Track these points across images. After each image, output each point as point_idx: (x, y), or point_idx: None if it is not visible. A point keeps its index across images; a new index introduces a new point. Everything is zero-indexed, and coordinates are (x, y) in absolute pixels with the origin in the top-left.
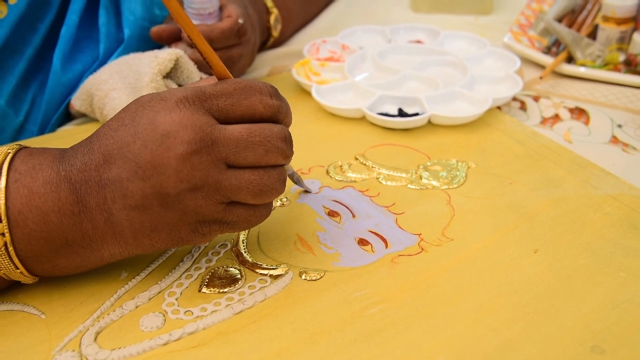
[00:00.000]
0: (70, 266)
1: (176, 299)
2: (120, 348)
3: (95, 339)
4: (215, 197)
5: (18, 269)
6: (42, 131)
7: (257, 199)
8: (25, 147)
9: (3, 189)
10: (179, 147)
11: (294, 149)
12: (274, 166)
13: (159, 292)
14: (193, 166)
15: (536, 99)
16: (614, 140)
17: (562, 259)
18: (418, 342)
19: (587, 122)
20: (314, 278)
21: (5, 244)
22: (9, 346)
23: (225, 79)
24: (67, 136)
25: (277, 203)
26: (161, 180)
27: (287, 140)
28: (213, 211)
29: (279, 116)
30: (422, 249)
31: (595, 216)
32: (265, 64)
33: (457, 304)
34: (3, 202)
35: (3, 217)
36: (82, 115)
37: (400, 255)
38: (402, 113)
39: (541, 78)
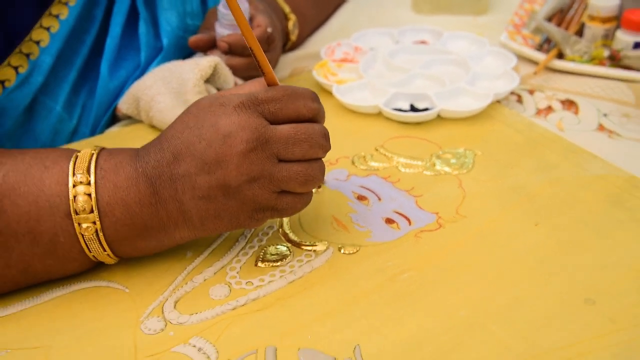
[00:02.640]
0: (147, 248)
1: (237, 273)
2: (197, 313)
3: (175, 306)
4: (269, 187)
5: (105, 251)
6: (93, 132)
7: (303, 187)
8: (104, 148)
9: (93, 185)
10: (239, 146)
11: None
12: (316, 159)
13: (222, 268)
14: (251, 161)
15: (531, 92)
16: (601, 127)
17: (558, 230)
18: (442, 300)
19: (576, 112)
20: (351, 252)
21: (97, 231)
22: (103, 314)
23: (275, 86)
24: (116, 137)
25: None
26: (224, 174)
27: (327, 137)
28: (267, 199)
29: (319, 117)
30: (440, 225)
31: (586, 194)
32: (287, 66)
33: (473, 269)
34: (94, 195)
35: (94, 208)
36: (128, 117)
37: (422, 231)
38: (413, 108)
39: (535, 73)
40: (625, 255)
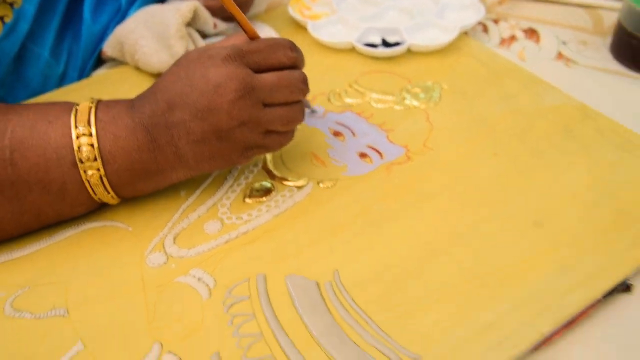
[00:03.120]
0: (146, 188)
1: (227, 209)
2: (195, 247)
3: (174, 241)
4: (257, 129)
5: (109, 193)
6: (80, 76)
7: (286, 127)
8: (101, 100)
9: (95, 135)
10: (229, 95)
11: None
12: (296, 102)
13: (213, 205)
14: (240, 107)
15: (496, 21)
16: (559, 55)
17: (515, 160)
18: (411, 227)
19: (537, 41)
20: (329, 186)
21: (100, 177)
22: (112, 252)
23: (257, 39)
24: (104, 80)
25: None
26: (216, 119)
27: (305, 82)
28: (256, 139)
29: (297, 64)
30: (409, 158)
31: (542, 123)
32: (262, 1)
33: (438, 199)
34: (97, 145)
35: (98, 157)
36: (113, 59)
37: (392, 164)
38: (385, 42)
39: (500, 3)
40: (570, 182)
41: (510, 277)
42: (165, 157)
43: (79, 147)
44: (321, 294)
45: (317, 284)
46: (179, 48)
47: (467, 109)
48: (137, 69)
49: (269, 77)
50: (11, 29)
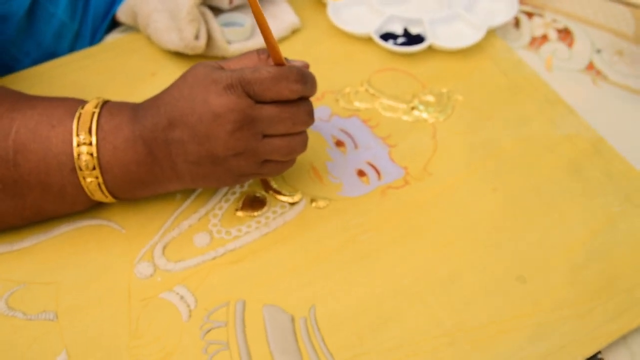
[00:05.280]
0: (144, 194)
1: (218, 220)
2: (182, 260)
3: (163, 252)
4: (253, 159)
5: (107, 197)
6: (93, 36)
7: (285, 157)
8: (106, 103)
9: (95, 145)
10: (227, 125)
11: (310, 70)
12: (299, 132)
13: (205, 214)
14: (237, 139)
15: (530, 15)
16: (590, 66)
17: (513, 199)
18: (391, 267)
19: (570, 45)
20: (321, 206)
21: (99, 184)
22: (103, 254)
23: (263, 67)
24: (116, 48)
25: None
26: (213, 147)
27: (310, 114)
28: (251, 168)
29: (304, 96)
30: (407, 182)
31: (549, 157)
32: None
33: (425, 236)
34: (95, 155)
35: (96, 166)
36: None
37: (389, 187)
38: (407, 33)
39: None
40: (565, 234)
41: (481, 338)
42: (162, 170)
43: (78, 155)
44: (294, 332)
45: (292, 319)
46: (188, 33)
47: (476, 129)
48: (149, 39)
49: (270, 108)
50: None
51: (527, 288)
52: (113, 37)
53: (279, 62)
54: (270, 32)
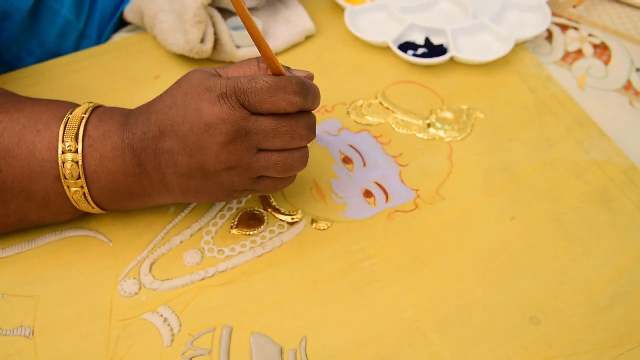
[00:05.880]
0: (132, 206)
1: (211, 238)
2: (168, 279)
3: (150, 269)
4: (247, 175)
5: (94, 208)
6: (99, 36)
7: (282, 174)
8: (96, 108)
9: (80, 153)
10: (219, 137)
11: (322, 79)
12: (297, 148)
13: (199, 230)
14: (229, 152)
15: (564, 28)
16: (627, 86)
17: (532, 229)
18: (393, 298)
19: (607, 62)
20: (322, 228)
21: (84, 194)
22: (88, 268)
23: (260, 76)
24: (123, 47)
25: None
26: (204, 159)
27: (311, 128)
28: (245, 184)
29: (304, 109)
30: (417, 206)
31: (575, 185)
32: None
33: (432, 265)
34: (81, 163)
35: (82, 175)
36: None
37: (396, 211)
38: (428, 43)
39: (574, 6)
40: (589, 269)
41: None
42: (151, 182)
43: (63, 163)
44: None
45: (281, 351)
46: (194, 35)
47: (496, 151)
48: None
49: (266, 121)
50: None
51: (541, 330)
52: (120, 37)
53: (277, 72)
54: (263, 40)
